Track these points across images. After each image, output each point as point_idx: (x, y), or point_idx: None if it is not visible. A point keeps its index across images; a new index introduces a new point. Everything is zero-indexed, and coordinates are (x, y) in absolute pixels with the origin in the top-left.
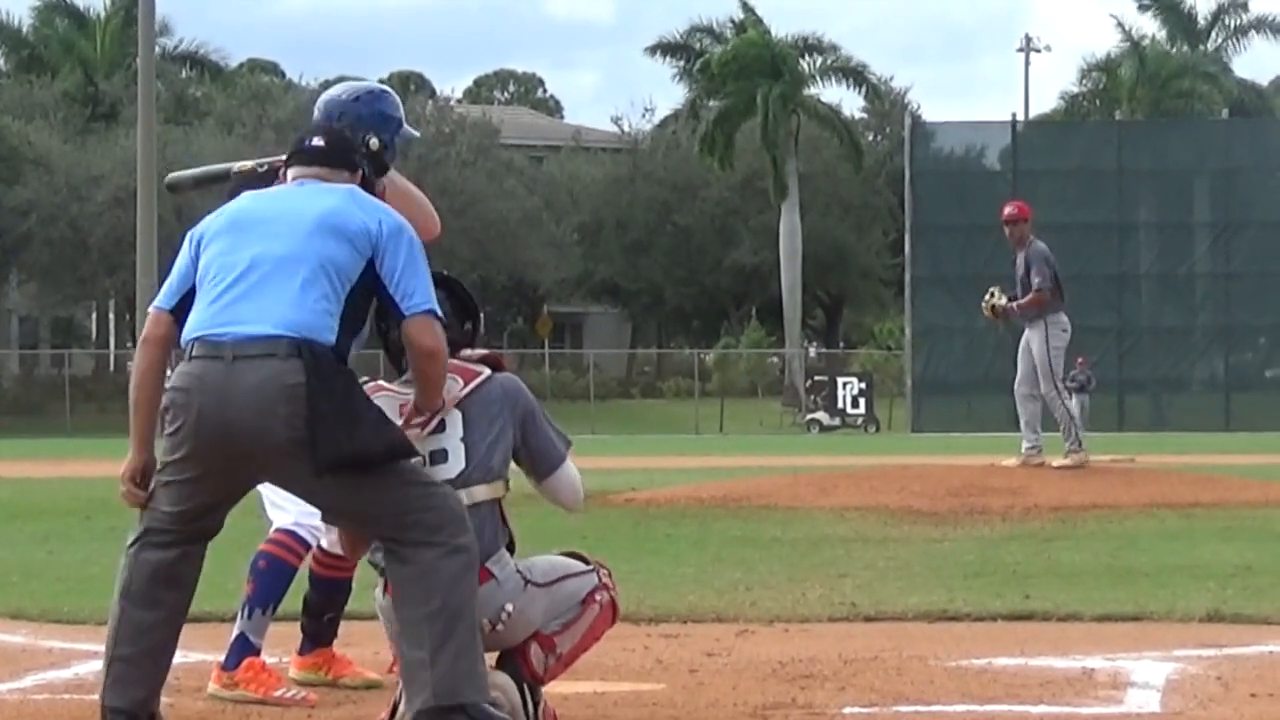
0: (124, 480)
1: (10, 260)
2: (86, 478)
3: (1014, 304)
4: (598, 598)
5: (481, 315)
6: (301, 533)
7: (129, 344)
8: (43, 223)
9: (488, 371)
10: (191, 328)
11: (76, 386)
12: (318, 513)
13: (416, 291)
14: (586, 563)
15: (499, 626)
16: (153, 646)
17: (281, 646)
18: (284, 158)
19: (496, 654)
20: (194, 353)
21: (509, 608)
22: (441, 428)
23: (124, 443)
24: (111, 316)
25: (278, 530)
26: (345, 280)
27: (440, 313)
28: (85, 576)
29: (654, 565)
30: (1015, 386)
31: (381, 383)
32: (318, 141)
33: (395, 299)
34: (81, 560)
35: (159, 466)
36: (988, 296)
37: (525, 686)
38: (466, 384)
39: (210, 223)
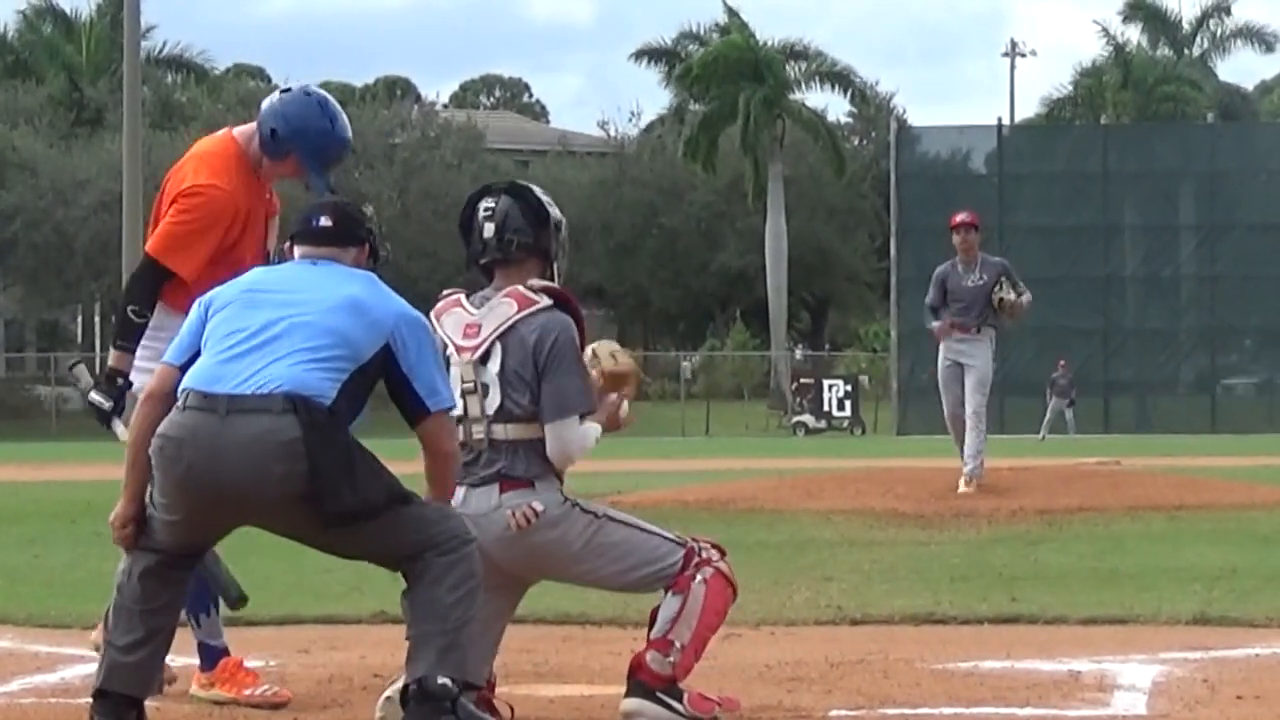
0: (114, 528)
1: None
2: (72, 481)
3: (1023, 299)
4: (697, 576)
5: (557, 222)
6: None
7: None
8: (28, 227)
9: (544, 302)
10: (189, 379)
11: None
12: None
13: (439, 388)
14: (680, 544)
15: (521, 521)
16: (145, 638)
17: (269, 650)
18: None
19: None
20: (188, 403)
21: (536, 505)
22: (486, 358)
23: (110, 447)
24: (97, 320)
25: None
26: (356, 357)
27: (456, 405)
28: (71, 580)
29: None
30: (953, 410)
31: (460, 298)
32: (325, 222)
33: (419, 393)
34: (67, 564)
35: (149, 498)
36: (996, 288)
37: (659, 695)
38: (520, 310)
39: (222, 291)
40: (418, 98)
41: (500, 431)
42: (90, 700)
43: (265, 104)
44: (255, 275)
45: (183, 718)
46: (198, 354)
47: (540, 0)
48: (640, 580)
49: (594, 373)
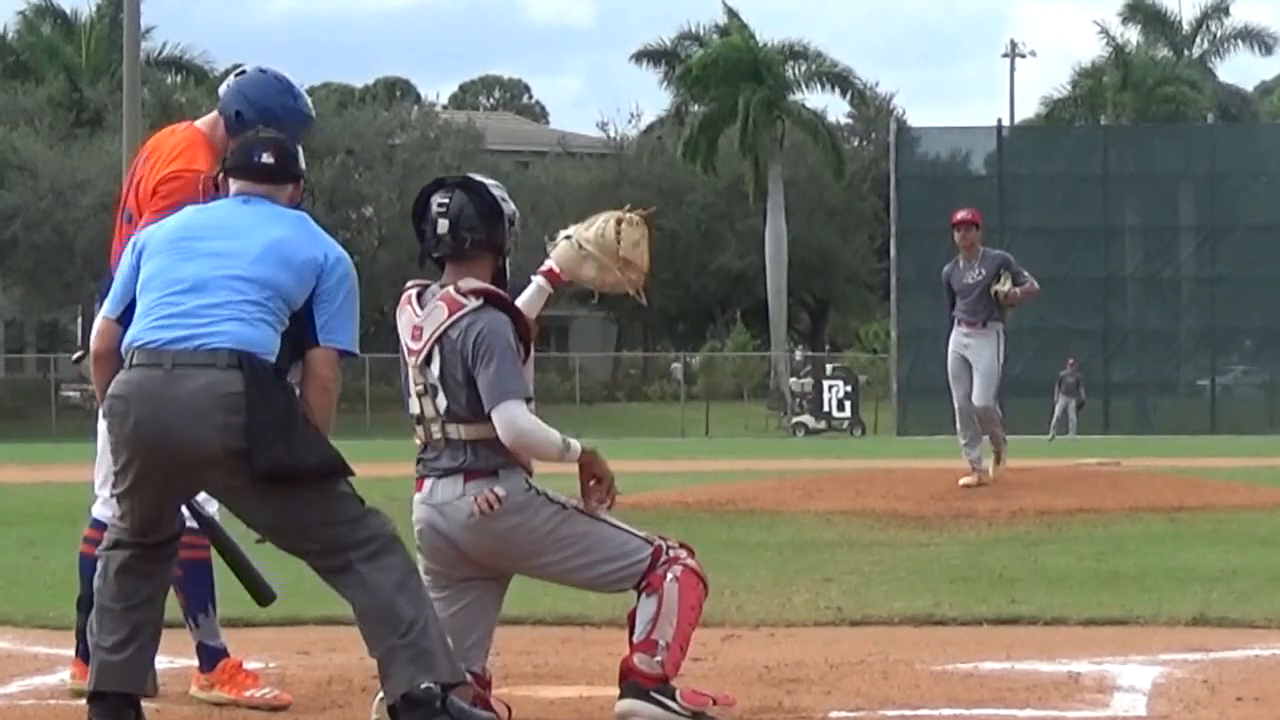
0: None
1: None
2: (72, 482)
3: (1018, 290)
4: (668, 575)
5: (510, 216)
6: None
7: None
8: (28, 228)
9: (473, 304)
10: (132, 336)
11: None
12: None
13: (340, 329)
14: (648, 541)
15: (484, 505)
16: (130, 636)
17: (269, 651)
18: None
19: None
20: (134, 361)
21: (499, 490)
22: (428, 362)
23: None
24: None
25: None
26: (289, 306)
27: (356, 351)
28: (70, 582)
29: None
30: (963, 403)
31: (413, 295)
32: (268, 159)
33: (317, 325)
34: (66, 565)
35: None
36: (994, 281)
37: (652, 694)
38: (449, 315)
39: (154, 234)
40: (417, 99)
41: (454, 431)
42: (87, 703)
43: (224, 88)
44: (186, 219)
45: (182, 719)
46: (134, 301)
47: (540, 1)
48: (607, 576)
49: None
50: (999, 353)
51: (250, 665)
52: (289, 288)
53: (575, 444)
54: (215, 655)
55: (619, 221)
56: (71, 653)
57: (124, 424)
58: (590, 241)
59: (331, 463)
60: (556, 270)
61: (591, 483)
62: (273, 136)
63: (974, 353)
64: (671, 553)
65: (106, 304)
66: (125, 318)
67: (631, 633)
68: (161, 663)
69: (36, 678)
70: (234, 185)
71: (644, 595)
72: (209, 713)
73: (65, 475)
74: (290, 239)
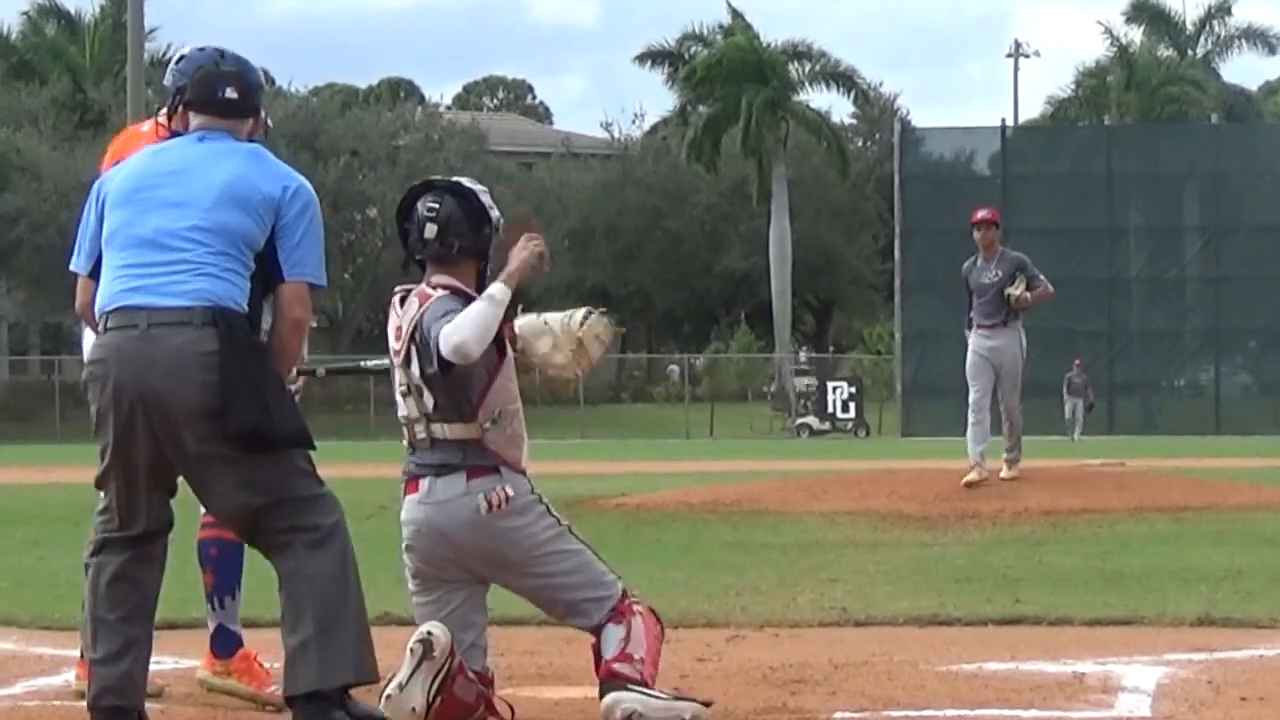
0: None
1: None
2: (76, 484)
3: (1029, 295)
4: (636, 608)
5: (497, 222)
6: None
7: None
8: (32, 229)
9: (441, 294)
10: (104, 299)
11: (66, 392)
12: None
13: (306, 261)
14: (619, 578)
15: (496, 501)
16: (125, 647)
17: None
18: (180, 98)
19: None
20: (109, 324)
21: (509, 489)
22: (408, 363)
23: None
24: None
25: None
26: (251, 249)
27: (323, 282)
28: (75, 583)
29: (644, 570)
30: (978, 400)
31: (396, 301)
32: (231, 94)
33: (281, 261)
34: (71, 566)
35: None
36: (1010, 284)
37: (633, 687)
38: (420, 306)
39: (113, 183)
40: (421, 99)
41: (439, 431)
42: (88, 711)
43: (166, 74)
44: (142, 165)
45: (187, 719)
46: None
47: (544, 2)
48: (585, 600)
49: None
50: (1021, 351)
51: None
52: (248, 231)
53: (495, 289)
54: (233, 642)
55: (590, 311)
56: (75, 653)
57: (105, 387)
58: (555, 319)
59: (302, 432)
60: (516, 332)
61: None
62: (235, 70)
63: (997, 354)
64: (634, 596)
65: (77, 257)
66: (97, 271)
67: (599, 657)
68: (166, 664)
69: (41, 679)
70: (194, 120)
71: (611, 624)
72: (213, 714)
73: (69, 477)
74: (243, 177)
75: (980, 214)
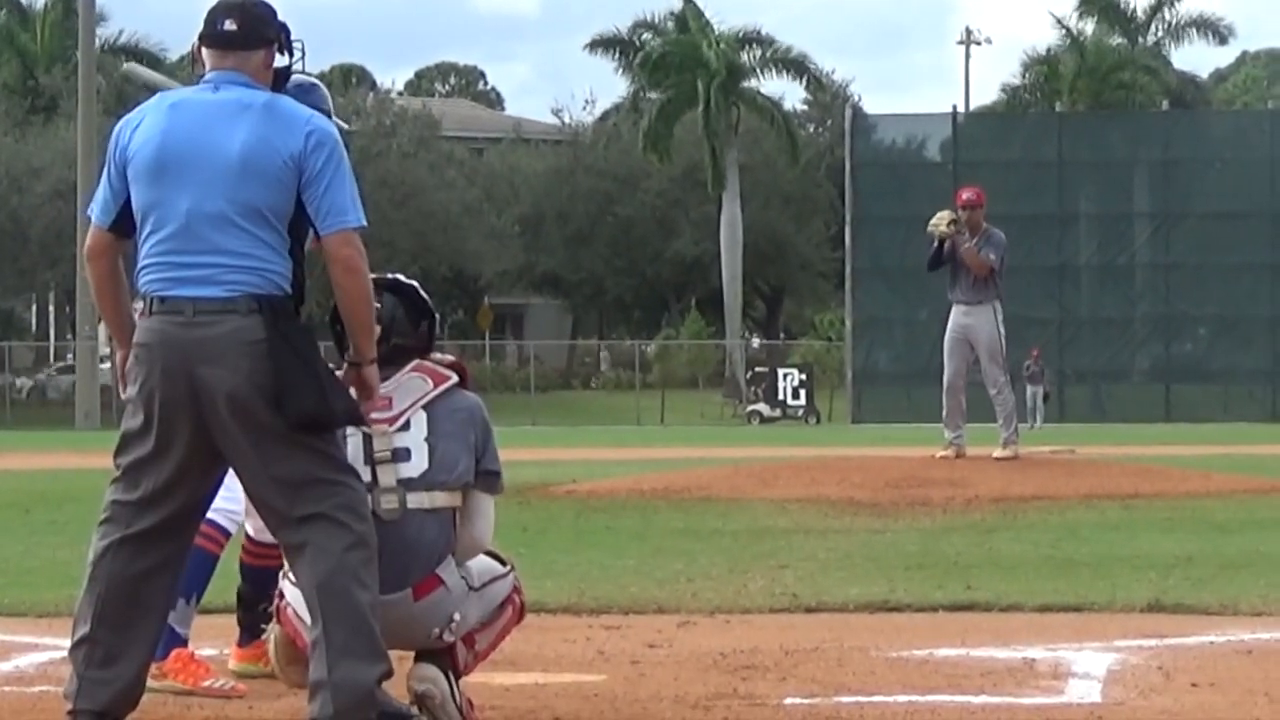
0: (119, 379)
1: None
2: (26, 470)
3: (975, 248)
4: (516, 600)
5: (437, 317)
6: (220, 520)
7: (69, 335)
8: None
9: (456, 379)
10: (148, 283)
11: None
12: (237, 499)
13: (337, 207)
14: (503, 562)
15: (446, 635)
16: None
17: (222, 639)
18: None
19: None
20: (154, 309)
21: (456, 616)
22: (406, 426)
23: (64, 435)
24: (51, 309)
25: None
26: (282, 217)
27: (363, 221)
28: (24, 569)
29: (595, 557)
30: (952, 380)
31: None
32: (230, 26)
33: (314, 215)
34: (21, 553)
35: (119, 444)
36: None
37: (450, 676)
38: (436, 386)
39: (135, 145)
40: (373, 85)
41: (416, 500)
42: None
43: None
44: (162, 128)
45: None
46: (123, 210)
47: None
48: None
49: None
50: (998, 327)
51: (203, 654)
52: (273, 203)
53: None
54: (171, 643)
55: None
56: (25, 639)
57: (151, 371)
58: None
59: (352, 410)
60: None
61: None
62: (237, 1)
63: (974, 331)
64: (517, 580)
65: (95, 207)
66: (117, 227)
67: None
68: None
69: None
70: (206, 57)
71: None
72: (161, 700)
73: (19, 464)
74: (259, 141)
75: (965, 195)
